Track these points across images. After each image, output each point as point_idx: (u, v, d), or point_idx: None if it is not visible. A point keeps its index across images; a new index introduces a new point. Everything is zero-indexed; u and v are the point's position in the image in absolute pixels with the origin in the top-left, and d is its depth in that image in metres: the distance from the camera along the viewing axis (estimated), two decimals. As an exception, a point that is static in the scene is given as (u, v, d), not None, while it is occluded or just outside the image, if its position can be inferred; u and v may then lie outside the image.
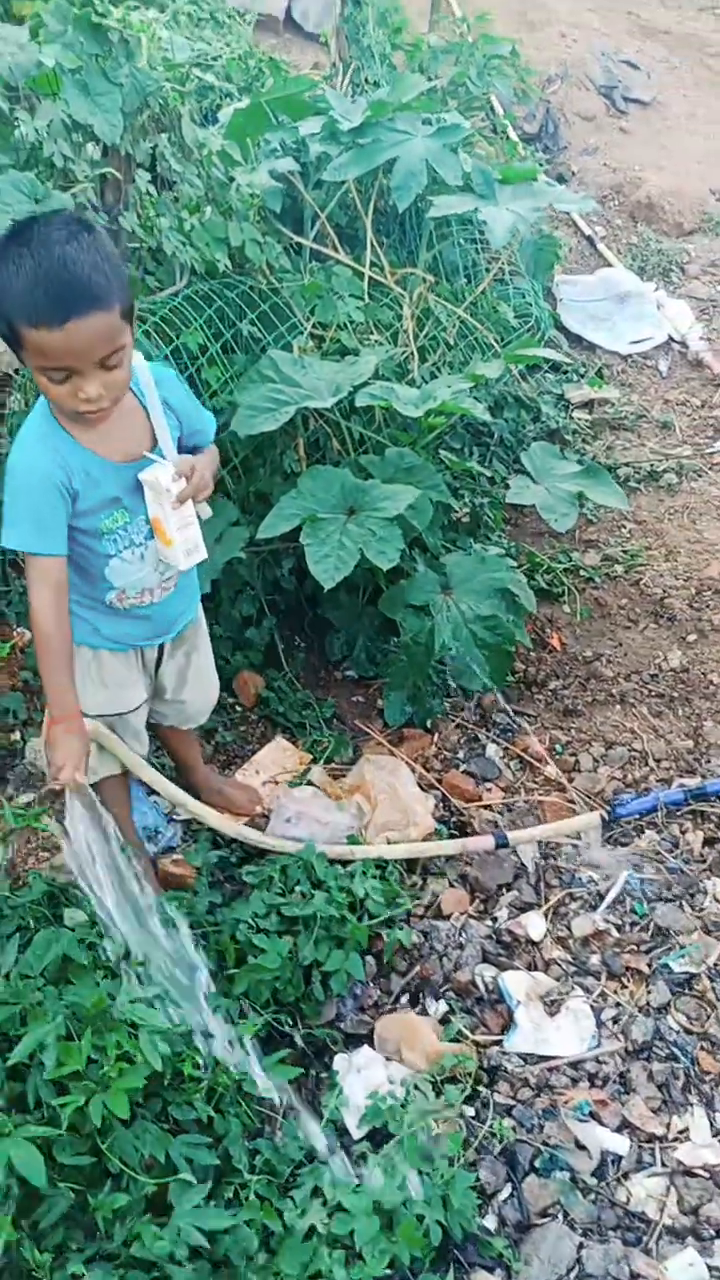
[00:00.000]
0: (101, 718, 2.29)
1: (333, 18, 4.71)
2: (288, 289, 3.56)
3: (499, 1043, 2.31)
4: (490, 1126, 2.12)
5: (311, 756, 3.01)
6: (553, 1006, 2.37)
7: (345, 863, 2.61)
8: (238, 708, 3.19)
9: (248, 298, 3.48)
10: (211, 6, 5.88)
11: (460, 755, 3.07)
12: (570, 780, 2.97)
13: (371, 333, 3.67)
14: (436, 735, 3.11)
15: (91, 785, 2.39)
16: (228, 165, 3.49)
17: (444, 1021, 2.35)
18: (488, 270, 4.47)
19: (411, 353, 3.64)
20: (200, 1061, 2.03)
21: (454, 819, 2.85)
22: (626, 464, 4.37)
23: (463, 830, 2.81)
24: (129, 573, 2.12)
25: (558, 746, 3.11)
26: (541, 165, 6.07)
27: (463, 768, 3.01)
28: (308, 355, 3.32)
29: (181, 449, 2.13)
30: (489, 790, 2.93)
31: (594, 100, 7.21)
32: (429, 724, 3.14)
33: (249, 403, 3.02)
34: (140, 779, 2.48)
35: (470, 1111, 2.18)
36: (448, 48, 4.78)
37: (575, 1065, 2.27)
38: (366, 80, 4.44)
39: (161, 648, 2.37)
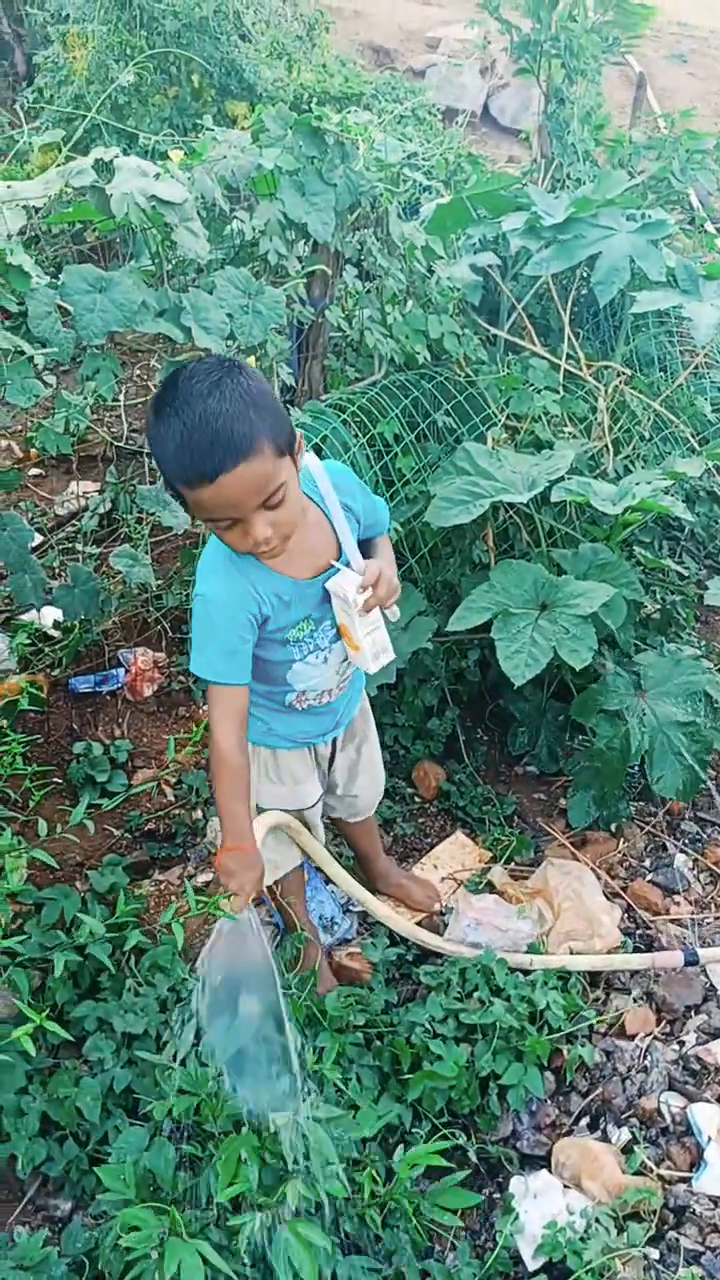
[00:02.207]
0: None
1: (535, 115, 4.78)
2: (484, 380, 3.57)
3: (687, 1180, 2.16)
4: (677, 1275, 1.98)
5: (491, 854, 2.94)
6: (745, 1146, 2.22)
7: (525, 971, 2.52)
8: (417, 799, 3.15)
9: (443, 388, 3.51)
10: (414, 103, 6.06)
11: (646, 864, 2.94)
12: (764, 898, 2.82)
13: (566, 425, 3.65)
14: (622, 840, 3.00)
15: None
16: (429, 259, 3.55)
17: (626, 1151, 2.22)
18: (683, 363, 4.40)
19: (606, 446, 3.60)
20: (377, 1174, 1.97)
21: (639, 931, 2.73)
22: None
23: (649, 944, 2.69)
24: (311, 675, 2.11)
25: (750, 860, 2.96)
26: (739, 258, 5.98)
27: (649, 877, 2.89)
28: (502, 447, 3.32)
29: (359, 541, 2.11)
30: (677, 903, 2.80)
31: None
32: (614, 828, 3.03)
33: (444, 495, 3.02)
34: (323, 871, 2.46)
35: (654, 1254, 2.04)
36: (650, 143, 4.79)
37: (770, 1214, 2.11)
38: (568, 176, 4.48)
39: (334, 743, 2.36)
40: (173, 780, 3.09)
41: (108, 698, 3.30)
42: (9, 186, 2.43)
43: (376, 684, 2.96)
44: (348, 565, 2.01)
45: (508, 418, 3.51)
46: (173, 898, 2.78)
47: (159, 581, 3.27)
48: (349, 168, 2.95)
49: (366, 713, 2.46)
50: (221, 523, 1.80)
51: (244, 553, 1.86)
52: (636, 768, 2.97)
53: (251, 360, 2.84)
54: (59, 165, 2.60)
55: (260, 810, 2.22)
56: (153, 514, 2.94)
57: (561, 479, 3.08)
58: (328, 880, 2.79)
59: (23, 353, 2.34)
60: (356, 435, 3.14)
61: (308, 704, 2.17)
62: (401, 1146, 2.09)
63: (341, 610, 2.03)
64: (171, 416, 1.71)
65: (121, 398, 3.78)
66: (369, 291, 3.37)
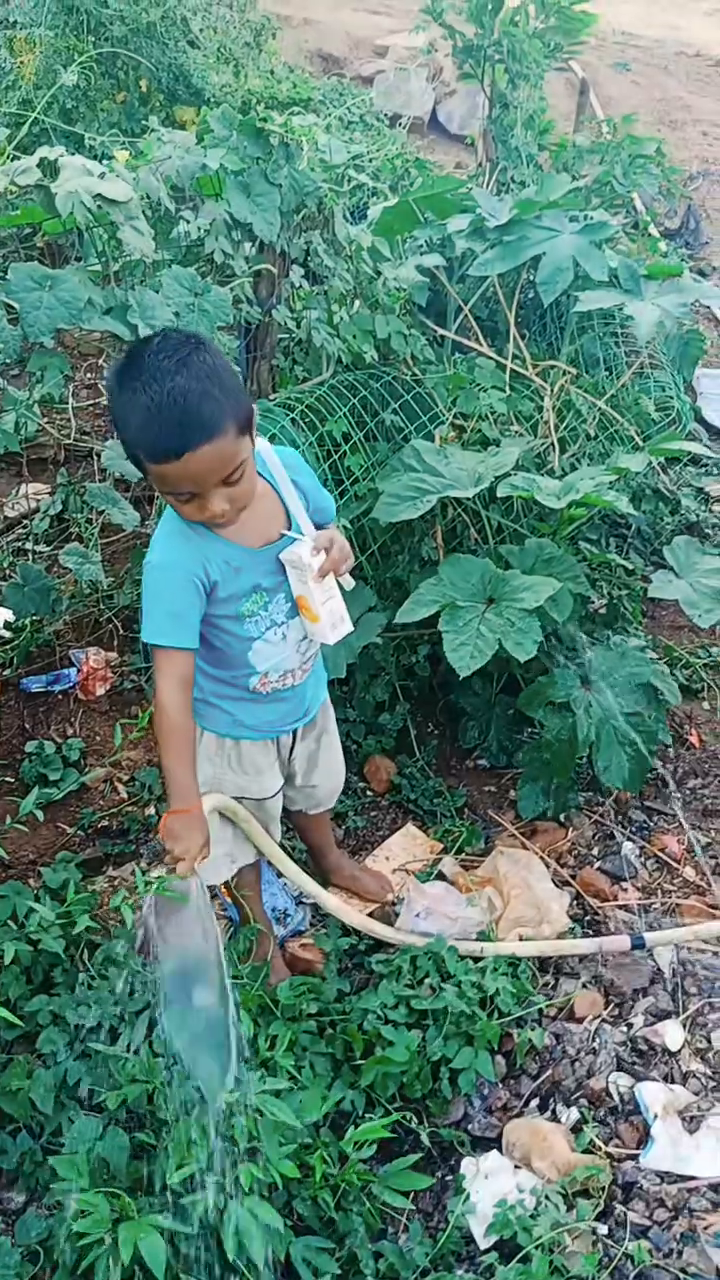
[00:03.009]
0: (240, 800, 2.32)
1: (479, 120, 4.84)
2: (431, 380, 3.61)
3: (634, 1157, 2.20)
4: (625, 1248, 2.02)
5: (442, 845, 2.98)
6: (692, 1123, 2.26)
7: (476, 958, 2.56)
8: (369, 793, 3.18)
9: (391, 388, 3.55)
10: (362, 110, 6.11)
11: (595, 852, 2.99)
12: (710, 883, 2.87)
13: (512, 424, 3.70)
14: (571, 830, 3.04)
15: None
16: (376, 260, 3.59)
17: (575, 1130, 2.26)
18: (627, 363, 4.47)
19: (552, 444, 3.65)
20: (329, 1158, 2.00)
21: (588, 918, 2.77)
22: (768, 559, 4.28)
23: (597, 930, 2.73)
24: (272, 655, 2.15)
25: (697, 848, 3.01)
26: (683, 261, 6.09)
27: (597, 865, 2.93)
28: (449, 445, 3.36)
29: None
30: (625, 890, 2.85)
31: (735, 197, 7.24)
32: (563, 818, 3.07)
33: (391, 491, 3.06)
34: (270, 862, 2.48)
35: (603, 1229, 2.08)
36: (593, 148, 4.86)
37: (716, 1188, 2.15)
38: (513, 180, 4.54)
39: (295, 734, 2.38)
40: (125, 778, 3.10)
41: (60, 697, 3.30)
42: (-47, 186, 2.44)
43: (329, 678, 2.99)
44: (300, 534, 2.06)
45: (455, 416, 3.56)
46: (126, 893, 2.78)
47: (110, 580, 3.28)
48: (293, 168, 2.98)
49: (328, 705, 2.49)
50: (181, 495, 1.86)
51: (197, 522, 1.92)
52: (585, 759, 3.02)
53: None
54: (3, 165, 2.61)
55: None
56: (103, 512, 2.96)
57: (507, 475, 3.13)
58: (280, 873, 2.81)
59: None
60: (305, 434, 3.17)
61: (271, 687, 2.20)
62: (353, 1129, 2.12)
63: (297, 580, 2.07)
64: (139, 390, 1.75)
65: (71, 400, 3.78)
66: (316, 292, 3.40)
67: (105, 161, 2.71)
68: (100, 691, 3.32)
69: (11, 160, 2.65)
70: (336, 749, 2.56)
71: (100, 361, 4.47)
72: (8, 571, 3.45)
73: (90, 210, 2.46)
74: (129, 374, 1.78)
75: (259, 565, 2.04)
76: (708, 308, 6.13)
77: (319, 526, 2.18)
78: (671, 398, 4.48)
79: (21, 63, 5.23)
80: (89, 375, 4.50)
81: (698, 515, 4.43)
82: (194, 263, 3.00)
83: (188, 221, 2.91)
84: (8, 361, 2.46)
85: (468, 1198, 2.12)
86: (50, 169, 2.47)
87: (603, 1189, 2.13)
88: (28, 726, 3.21)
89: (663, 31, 10.80)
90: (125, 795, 3.05)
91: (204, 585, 1.98)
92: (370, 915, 2.72)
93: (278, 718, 2.29)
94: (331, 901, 2.60)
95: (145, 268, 2.68)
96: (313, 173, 3.04)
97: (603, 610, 3.69)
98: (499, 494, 3.10)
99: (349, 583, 2.19)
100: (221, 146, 2.89)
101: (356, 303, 3.55)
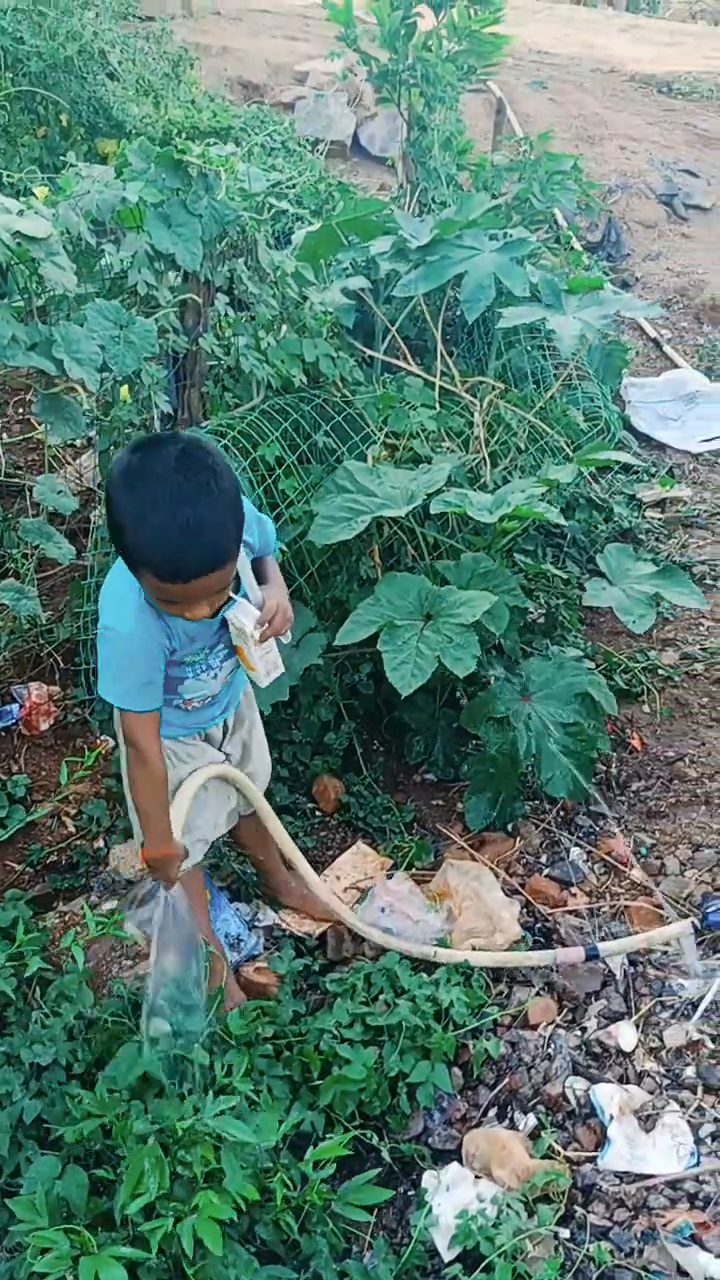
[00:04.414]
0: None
1: (398, 143, 4.91)
2: (361, 400, 3.65)
3: (593, 1160, 2.23)
4: (587, 1250, 2.04)
5: (392, 861, 3.00)
6: (647, 1122, 2.29)
7: (429, 969, 2.57)
8: (318, 813, 3.20)
9: (322, 410, 3.58)
10: (283, 136, 6.16)
11: (543, 859, 3.02)
12: (657, 884, 2.91)
13: (444, 440, 3.74)
14: (519, 839, 3.07)
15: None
16: (301, 285, 3.62)
17: (534, 1136, 2.28)
18: (555, 376, 4.54)
19: (483, 459, 3.70)
20: (290, 1180, 2.00)
21: (539, 925, 2.80)
22: (702, 561, 4.36)
23: (548, 936, 2.76)
24: (199, 688, 2.24)
25: (642, 849, 3.05)
26: (606, 273, 6.19)
27: (546, 872, 2.96)
28: (382, 464, 3.39)
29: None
30: (574, 895, 2.88)
31: (655, 208, 7.38)
32: (510, 827, 3.10)
33: (326, 513, 3.09)
34: (268, 827, 2.58)
35: (565, 1233, 2.10)
36: (511, 166, 4.94)
37: (674, 1185, 2.18)
38: (434, 200, 4.60)
39: (225, 725, 2.46)
40: (72, 812, 3.08)
41: (2, 734, 3.28)
42: None
43: (271, 702, 3.00)
44: (245, 598, 2.11)
45: (386, 436, 3.59)
46: (77, 928, 2.78)
47: (49, 614, 3.27)
48: (213, 198, 3.00)
49: (250, 696, 2.56)
50: (170, 605, 1.93)
51: (168, 610, 1.97)
52: (530, 768, 3.05)
53: (124, 390, 2.87)
54: None
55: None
56: (37, 547, 2.95)
57: (439, 491, 3.16)
58: (232, 899, 2.82)
59: None
60: (239, 459, 3.19)
61: (194, 706, 2.28)
62: (312, 1149, 2.12)
63: (238, 637, 2.15)
64: (156, 508, 1.78)
65: (3, 435, 3.78)
66: (243, 319, 3.42)
67: (24, 198, 2.72)
68: (44, 726, 3.31)
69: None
70: (262, 732, 2.63)
71: (29, 396, 4.46)
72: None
73: (10, 248, 2.47)
74: (142, 485, 1.80)
75: (210, 629, 2.12)
76: (635, 319, 6.24)
77: (260, 559, 2.26)
78: (600, 408, 4.56)
79: (-62, 101, 5.23)
80: (19, 410, 4.49)
81: (630, 522, 4.50)
82: (119, 295, 3.01)
83: (110, 255, 2.92)
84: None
85: (430, 1211, 2.13)
86: (-33, 208, 2.48)
87: (563, 1193, 2.15)
88: (-29, 765, 3.18)
89: (578, 49, 10.99)
90: (73, 829, 3.04)
91: (166, 653, 2.06)
92: (320, 935, 2.74)
93: (204, 719, 2.37)
94: (307, 870, 2.64)
95: (70, 302, 2.69)
96: (233, 201, 3.07)
97: (541, 620, 3.74)
98: (432, 510, 3.14)
99: (287, 637, 2.29)
100: (140, 179, 2.91)
101: (283, 328, 3.58)
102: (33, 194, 2.95)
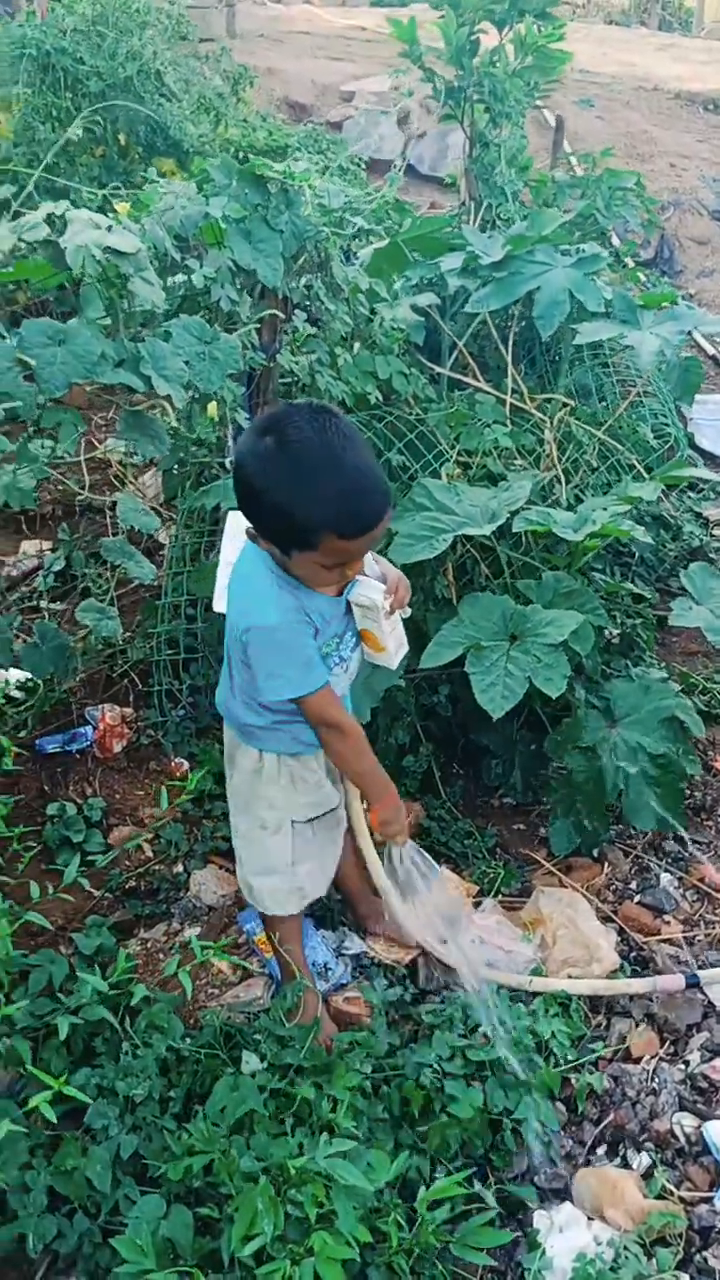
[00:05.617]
0: (313, 821, 2.35)
1: (460, 160, 4.87)
2: (432, 417, 3.60)
3: (708, 1200, 2.15)
4: (711, 1297, 1.96)
5: (479, 888, 2.92)
6: (763, 1161, 2.21)
7: (526, 1000, 2.50)
8: (398, 838, 3.13)
9: (394, 427, 3.54)
10: (335, 156, 6.16)
11: (633, 886, 2.95)
12: (752, 912, 2.83)
13: (515, 458, 3.69)
14: (606, 864, 3.00)
15: (274, 916, 2.40)
16: (372, 301, 3.58)
17: (646, 1176, 2.20)
18: (619, 392, 4.49)
19: (557, 476, 3.64)
20: (400, 1221, 1.93)
21: (633, 953, 2.72)
22: (772, 581, 4.27)
23: (644, 966, 2.68)
24: (336, 686, 2.18)
25: (735, 876, 2.97)
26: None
27: (637, 899, 2.89)
28: (457, 482, 3.34)
29: None
30: (668, 923, 2.80)
31: (707, 225, 7.33)
32: (597, 853, 3.03)
33: (406, 531, 3.04)
34: (364, 853, 2.52)
35: (685, 1278, 2.02)
36: (574, 182, 4.90)
37: None
38: (497, 217, 4.56)
39: None
40: (150, 836, 3.03)
41: (77, 756, 3.24)
42: (-40, 245, 2.42)
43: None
44: (365, 576, 2.12)
45: (459, 453, 3.54)
46: (160, 955, 2.72)
47: (127, 635, 3.23)
48: (294, 213, 2.97)
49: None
50: (336, 564, 1.93)
51: (319, 584, 2.00)
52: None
53: (212, 407, 2.84)
54: (6, 222, 2.59)
55: (294, 823, 2.33)
56: (116, 566, 2.92)
57: (521, 509, 3.11)
58: (318, 925, 2.76)
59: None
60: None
61: None
62: (423, 1189, 2.04)
63: (365, 617, 2.15)
64: (325, 470, 1.81)
65: (82, 453, 3.75)
66: (316, 335, 3.39)
67: (109, 215, 2.70)
68: (118, 749, 3.26)
69: (13, 217, 2.63)
70: None
71: (96, 416, 4.45)
72: (19, 632, 3.39)
73: (100, 263, 2.44)
74: (292, 458, 1.81)
75: (340, 612, 2.11)
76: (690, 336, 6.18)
77: None
78: (666, 424, 4.50)
79: (-1, 121, 5.25)
80: (102, 433, 4.48)
81: (700, 540, 4.43)
82: (196, 311, 2.98)
83: (191, 270, 2.89)
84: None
85: (544, 1253, 2.05)
86: (60, 224, 2.45)
87: (680, 1235, 2.07)
88: (47, 788, 3.14)
89: (618, 68, 10.97)
90: (151, 854, 2.98)
91: (311, 634, 2.04)
92: (411, 963, 2.67)
93: None
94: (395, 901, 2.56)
95: (155, 318, 2.66)
96: (312, 217, 3.04)
97: (616, 640, 3.67)
98: (515, 529, 3.08)
99: (407, 611, 2.25)
100: (222, 195, 2.88)
101: (356, 344, 3.55)
102: (114, 210, 2.93)
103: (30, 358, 2.34)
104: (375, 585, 2.10)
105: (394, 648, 2.21)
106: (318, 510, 1.83)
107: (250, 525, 1.98)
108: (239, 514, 2.04)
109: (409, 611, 2.28)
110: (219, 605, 2.32)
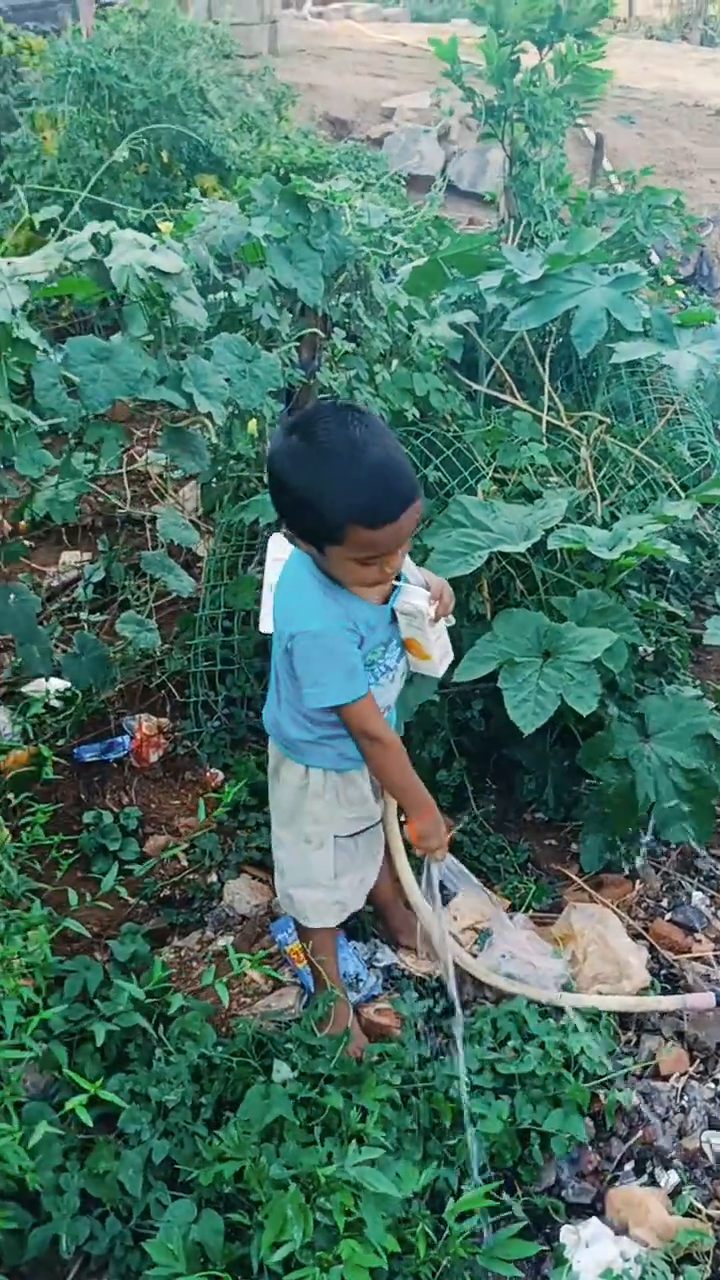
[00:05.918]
0: (356, 835, 2.38)
1: (499, 178, 4.91)
2: (469, 434, 3.63)
3: (736, 1220, 2.15)
4: (738, 1316, 1.96)
5: (509, 902, 2.94)
6: (791, 1182, 2.21)
7: (556, 1015, 2.51)
8: (430, 851, 3.15)
9: (431, 444, 3.57)
10: (376, 172, 6.21)
11: (664, 903, 2.95)
12: (783, 932, 2.83)
13: (551, 475, 3.70)
14: (637, 881, 3.00)
15: (310, 928, 2.42)
16: (410, 319, 3.62)
17: (674, 1194, 2.21)
18: (654, 410, 4.49)
19: (592, 494, 3.66)
20: (428, 1232, 1.95)
21: (664, 971, 2.73)
22: None
23: (675, 984, 2.69)
24: (382, 696, 2.21)
25: (766, 895, 2.97)
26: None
27: (668, 916, 2.89)
28: (493, 499, 3.36)
29: None
30: (699, 941, 2.81)
31: (746, 242, 7.32)
32: (628, 870, 3.03)
33: (442, 547, 3.06)
34: (396, 866, 2.54)
35: (712, 1296, 2.02)
36: (612, 200, 4.92)
37: None
38: (536, 235, 4.59)
39: None
40: (185, 846, 3.07)
41: (114, 766, 3.28)
42: (10, 263, 2.47)
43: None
44: (407, 583, 2.14)
45: (495, 470, 3.57)
46: (193, 963, 2.76)
47: (165, 646, 3.27)
48: (335, 233, 3.01)
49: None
50: (372, 558, 1.94)
51: (361, 583, 2.01)
52: (647, 810, 2.99)
53: (252, 424, 2.88)
54: (54, 240, 2.64)
55: (338, 838, 2.35)
56: (155, 579, 2.96)
57: (556, 527, 3.13)
58: (349, 937, 2.78)
59: (30, 424, 2.37)
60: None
61: None
62: (451, 1200, 2.06)
63: (409, 625, 2.16)
64: (349, 462, 1.85)
65: (124, 468, 3.81)
66: (355, 352, 3.42)
67: (153, 234, 2.74)
68: (154, 758, 3.31)
69: (60, 236, 2.69)
70: None
71: (153, 430, 4.50)
72: (59, 642, 3.45)
73: (144, 282, 2.49)
74: (319, 453, 1.86)
75: (385, 620, 2.14)
76: None
77: None
78: (703, 443, 4.50)
79: (44, 138, 5.34)
80: (141, 446, 4.55)
81: (736, 559, 4.42)
82: (235, 329, 3.03)
83: (232, 289, 2.94)
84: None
85: (570, 1268, 2.06)
86: (105, 244, 2.50)
87: (707, 1253, 2.08)
88: (84, 796, 3.18)
89: (659, 84, 10.98)
90: (186, 863, 3.02)
91: (357, 641, 2.07)
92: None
93: None
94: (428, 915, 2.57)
95: (197, 336, 2.70)
96: (353, 236, 3.08)
97: (651, 658, 3.67)
98: (550, 547, 3.10)
99: (450, 620, 2.28)
100: (264, 214, 2.93)
101: (394, 361, 3.58)
102: (158, 229, 2.98)
103: (75, 375, 2.39)
104: (420, 592, 2.13)
105: (439, 656, 2.23)
106: (341, 501, 1.86)
107: (286, 528, 2.02)
108: (280, 537, 2.08)
109: (453, 620, 2.30)
110: (265, 626, 2.35)
